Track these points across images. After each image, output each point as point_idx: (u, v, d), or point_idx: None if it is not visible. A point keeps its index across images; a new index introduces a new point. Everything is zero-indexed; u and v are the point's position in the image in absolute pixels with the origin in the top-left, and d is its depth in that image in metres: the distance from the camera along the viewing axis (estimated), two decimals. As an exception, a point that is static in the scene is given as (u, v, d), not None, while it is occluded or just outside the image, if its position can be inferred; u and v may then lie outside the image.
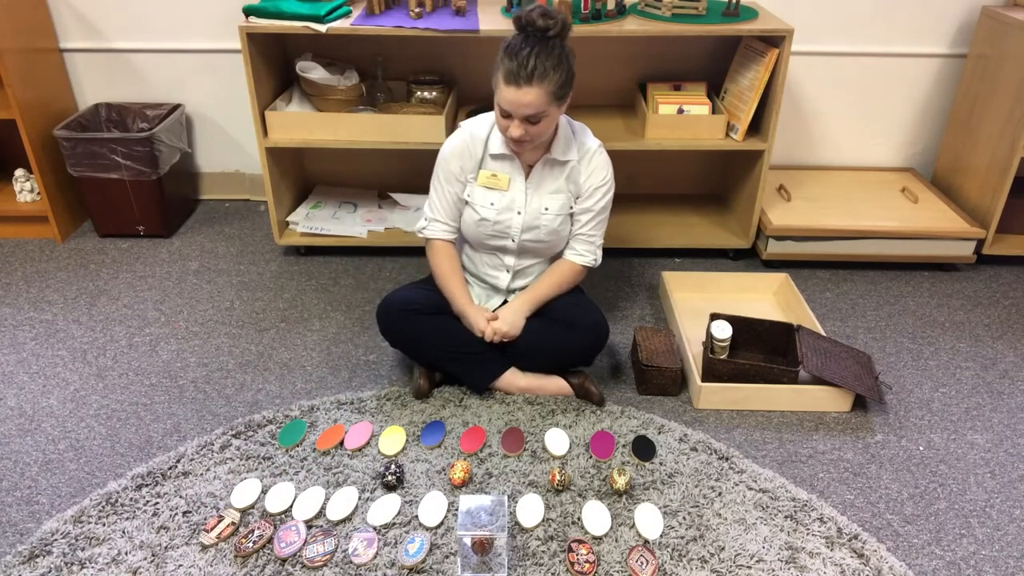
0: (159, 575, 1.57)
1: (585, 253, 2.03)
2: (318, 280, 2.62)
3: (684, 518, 1.71)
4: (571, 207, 1.99)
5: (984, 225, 2.64)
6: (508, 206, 1.96)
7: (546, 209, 1.96)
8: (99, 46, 2.87)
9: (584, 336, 1.98)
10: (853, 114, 2.97)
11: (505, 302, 2.09)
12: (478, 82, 2.83)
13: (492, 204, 1.95)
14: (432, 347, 2.01)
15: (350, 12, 2.47)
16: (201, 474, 1.82)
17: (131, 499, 1.74)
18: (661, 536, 1.66)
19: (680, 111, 2.58)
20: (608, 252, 2.76)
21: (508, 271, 2.05)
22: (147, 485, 1.78)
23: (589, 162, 1.96)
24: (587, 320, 1.98)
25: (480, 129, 1.96)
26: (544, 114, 1.78)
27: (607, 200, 2.01)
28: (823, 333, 2.20)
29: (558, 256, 2.07)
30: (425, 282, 2.12)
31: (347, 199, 2.93)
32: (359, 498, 1.75)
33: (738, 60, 2.63)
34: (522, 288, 2.08)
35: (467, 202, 1.99)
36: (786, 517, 1.72)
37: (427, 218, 2.04)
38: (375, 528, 1.68)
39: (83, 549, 1.62)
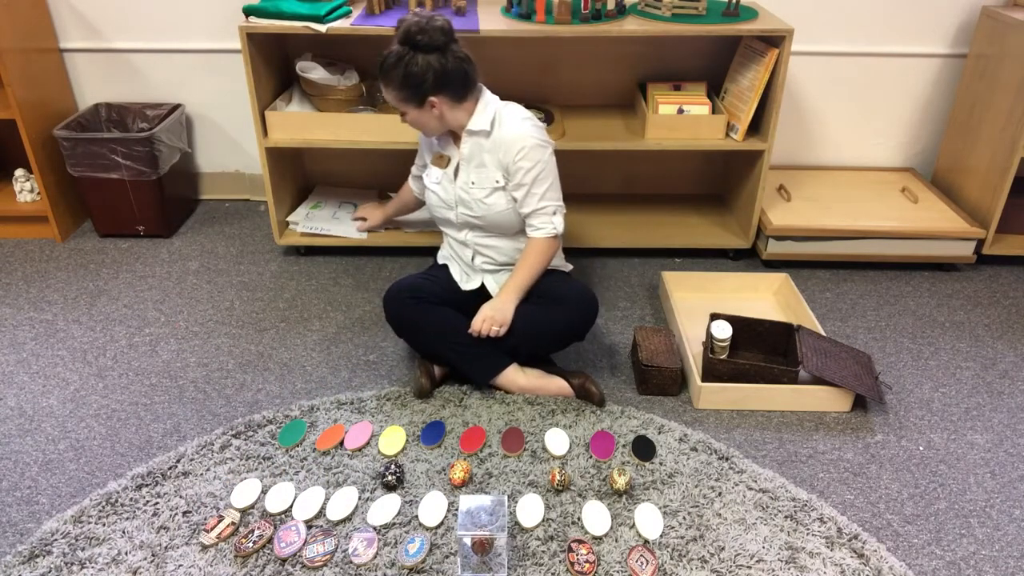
0: (159, 575, 1.57)
1: (542, 225, 2.00)
2: (318, 280, 2.62)
3: (684, 518, 1.71)
4: (499, 182, 1.97)
5: (984, 225, 2.64)
6: (447, 181, 2.05)
7: (472, 183, 2.00)
8: (99, 46, 2.87)
9: (574, 310, 2.01)
10: (853, 114, 2.97)
11: (482, 284, 2.11)
12: (478, 82, 2.83)
13: (437, 182, 2.07)
14: (435, 337, 2.02)
15: (350, 12, 2.47)
16: (201, 474, 1.82)
17: (131, 499, 1.74)
18: (661, 536, 1.66)
19: (680, 111, 2.58)
20: (608, 252, 2.78)
21: (468, 247, 2.11)
22: (147, 485, 1.78)
23: (504, 138, 1.94)
24: (574, 293, 2.02)
25: None
26: (403, 110, 1.93)
27: (536, 171, 1.93)
28: (823, 333, 2.20)
29: (521, 233, 2.07)
30: (431, 271, 2.16)
31: (347, 199, 2.93)
32: (359, 498, 1.75)
33: (738, 60, 2.63)
34: (488, 265, 2.11)
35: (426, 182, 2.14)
36: (786, 517, 1.72)
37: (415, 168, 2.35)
38: (375, 528, 1.68)
39: (83, 549, 1.62)
